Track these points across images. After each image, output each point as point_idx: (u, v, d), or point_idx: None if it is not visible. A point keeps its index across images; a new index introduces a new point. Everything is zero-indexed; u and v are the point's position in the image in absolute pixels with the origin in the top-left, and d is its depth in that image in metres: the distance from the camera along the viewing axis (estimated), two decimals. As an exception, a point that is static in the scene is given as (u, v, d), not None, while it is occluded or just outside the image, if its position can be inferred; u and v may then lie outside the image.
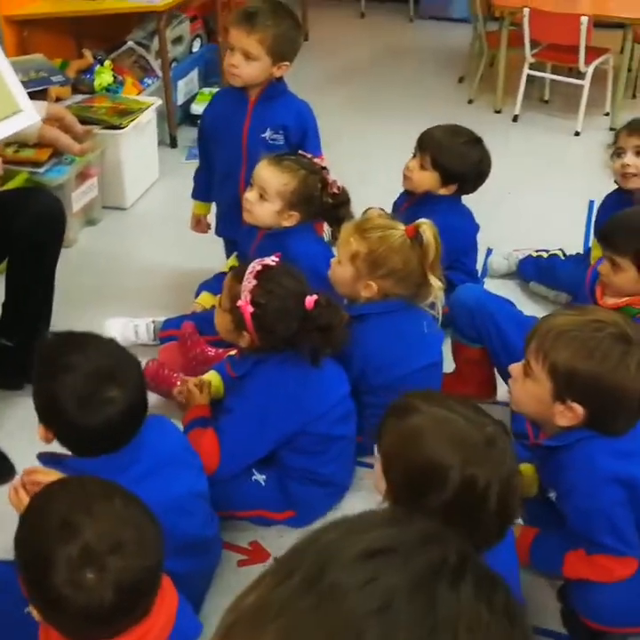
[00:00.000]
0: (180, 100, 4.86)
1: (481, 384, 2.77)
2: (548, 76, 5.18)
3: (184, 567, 1.75)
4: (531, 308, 3.11)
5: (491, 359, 2.69)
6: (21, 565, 1.43)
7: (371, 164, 4.29)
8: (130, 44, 4.69)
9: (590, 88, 4.89)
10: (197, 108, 4.87)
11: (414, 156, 2.95)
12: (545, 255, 3.37)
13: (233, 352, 2.49)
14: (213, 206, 3.29)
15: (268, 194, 2.63)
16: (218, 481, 2.14)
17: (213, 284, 3.10)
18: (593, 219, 3.82)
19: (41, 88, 3.93)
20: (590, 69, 4.81)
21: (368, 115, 5.21)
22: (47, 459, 1.81)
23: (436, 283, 2.36)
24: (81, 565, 1.35)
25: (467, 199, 3.12)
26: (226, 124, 3.02)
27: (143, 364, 2.44)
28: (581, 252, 3.54)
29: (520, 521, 2.04)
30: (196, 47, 5.14)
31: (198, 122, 4.65)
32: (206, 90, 5.00)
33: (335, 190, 2.66)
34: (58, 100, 4.02)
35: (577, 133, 4.92)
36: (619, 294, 2.42)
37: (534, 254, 3.40)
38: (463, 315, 2.63)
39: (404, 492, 1.57)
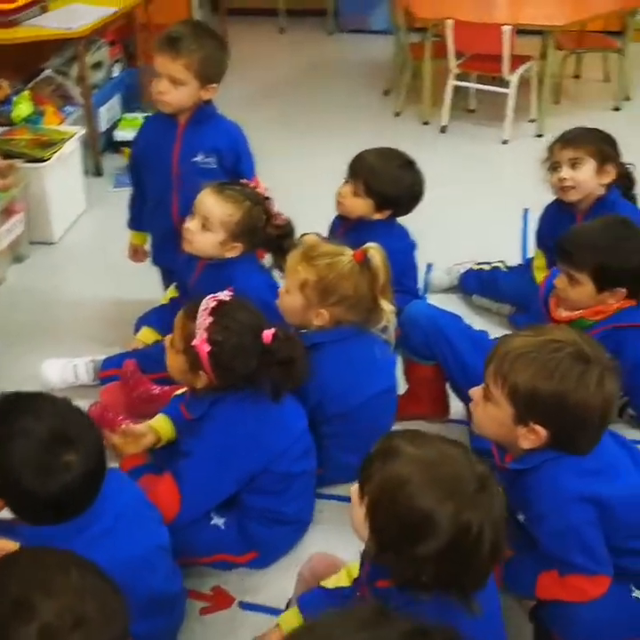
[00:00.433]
0: (103, 126, 4.75)
1: (434, 402, 2.74)
2: (474, 85, 5.21)
3: (149, 628, 1.66)
4: (475, 321, 3.08)
5: (444, 376, 2.66)
6: None
7: (300, 183, 4.22)
8: (48, 72, 4.56)
9: (515, 96, 4.92)
10: (121, 135, 4.79)
11: (346, 181, 2.91)
12: (486, 268, 3.36)
13: (181, 391, 2.40)
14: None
15: (211, 224, 2.56)
16: (175, 528, 2.04)
17: (152, 318, 3.02)
18: (528, 228, 3.86)
19: (-46, 122, 3.80)
20: (515, 77, 4.86)
21: (295, 132, 5.17)
22: (-1, 528, 1.69)
23: (387, 306, 2.33)
24: None
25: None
26: (156, 151, 2.96)
27: (86, 406, 2.35)
28: (520, 261, 3.55)
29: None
30: (116, 72, 5.04)
31: (123, 148, 4.63)
32: (129, 115, 4.90)
33: (279, 222, 2.62)
34: (-25, 133, 3.88)
35: (505, 141, 4.96)
36: (574, 308, 2.40)
37: (475, 267, 3.39)
38: (415, 332, 2.59)
39: (392, 541, 1.50)
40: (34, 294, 3.56)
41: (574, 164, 2.85)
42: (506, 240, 3.82)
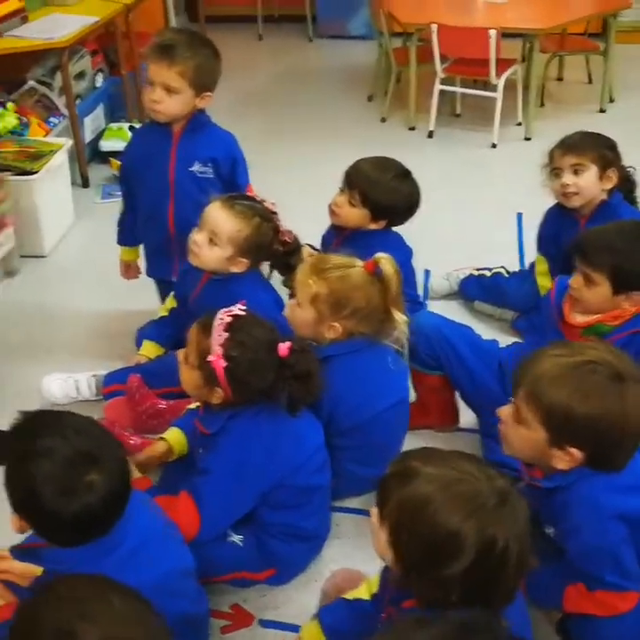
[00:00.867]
0: (88, 137, 4.70)
1: (443, 412, 2.73)
2: (461, 89, 5.21)
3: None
4: (476, 328, 3.03)
5: (452, 386, 2.64)
6: None
7: (290, 192, 4.15)
8: (31, 83, 4.50)
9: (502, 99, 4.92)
10: (107, 145, 4.74)
11: (342, 191, 2.87)
12: (488, 274, 3.34)
13: (193, 405, 2.37)
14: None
15: (218, 238, 2.52)
16: (193, 547, 2.00)
17: (153, 331, 2.98)
18: (523, 233, 3.86)
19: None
20: (501, 81, 4.86)
21: (280, 140, 5.13)
22: (21, 553, 1.65)
23: (399, 317, 2.30)
24: None
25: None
26: (149, 162, 2.91)
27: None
28: (517, 266, 3.54)
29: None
30: (99, 82, 4.98)
31: (109, 159, 4.58)
32: (114, 125, 4.85)
33: (287, 238, 2.59)
34: (-39, 147, 3.82)
35: (494, 145, 4.96)
36: (588, 310, 2.37)
37: (476, 273, 3.38)
38: (421, 343, 2.57)
39: (417, 563, 1.47)
40: (27, 309, 3.50)
41: (576, 171, 2.84)
42: (500, 244, 3.81)
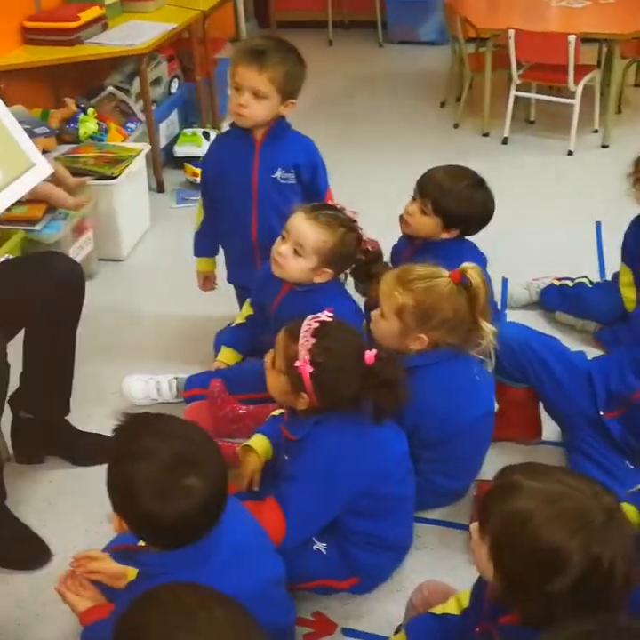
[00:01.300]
0: (163, 142, 4.75)
1: (527, 425, 2.68)
2: (536, 96, 5.15)
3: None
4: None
5: (537, 398, 2.61)
6: None
7: (364, 197, 4.14)
8: (110, 88, 4.57)
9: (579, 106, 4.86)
10: (180, 151, 4.79)
11: (414, 199, 2.84)
12: (570, 284, 3.29)
13: (276, 412, 2.37)
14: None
15: (303, 250, 2.51)
16: (278, 553, 2.01)
17: (231, 337, 2.99)
18: (603, 242, 3.79)
19: (27, 141, 3.79)
20: (579, 87, 4.79)
21: (352, 146, 5.12)
22: (121, 555, 1.66)
23: (487, 327, 2.26)
24: None
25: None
26: (232, 168, 2.91)
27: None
28: (598, 276, 3.49)
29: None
30: (174, 87, 5.04)
31: (184, 164, 4.63)
32: (188, 131, 4.90)
33: (369, 247, 2.57)
34: (44, 152, 3.87)
35: (570, 153, 4.89)
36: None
37: (557, 283, 3.32)
38: (506, 354, 2.53)
39: (520, 579, 1.45)
40: (106, 312, 3.54)
41: (664, 180, 2.79)
42: (577, 254, 3.75)
